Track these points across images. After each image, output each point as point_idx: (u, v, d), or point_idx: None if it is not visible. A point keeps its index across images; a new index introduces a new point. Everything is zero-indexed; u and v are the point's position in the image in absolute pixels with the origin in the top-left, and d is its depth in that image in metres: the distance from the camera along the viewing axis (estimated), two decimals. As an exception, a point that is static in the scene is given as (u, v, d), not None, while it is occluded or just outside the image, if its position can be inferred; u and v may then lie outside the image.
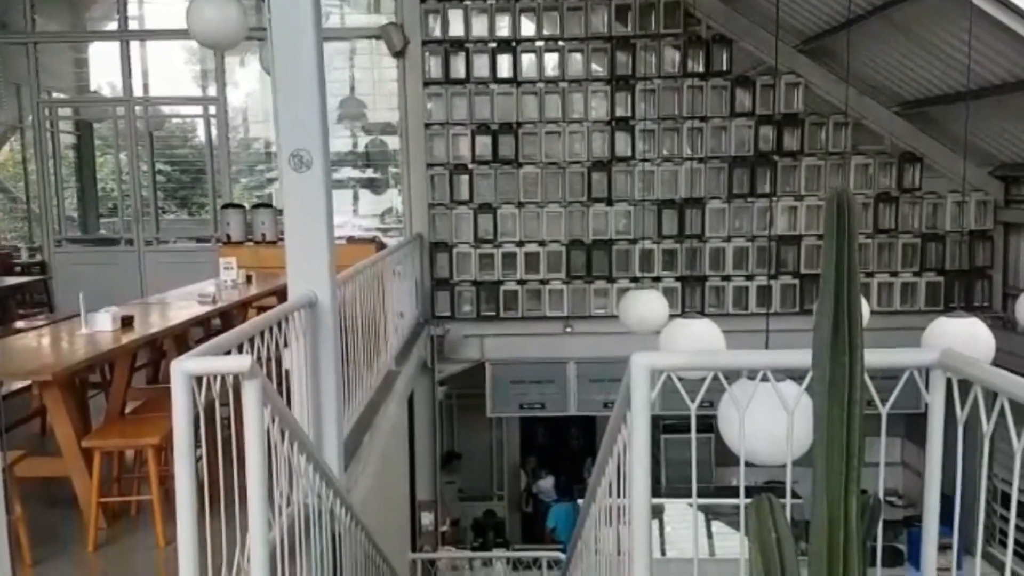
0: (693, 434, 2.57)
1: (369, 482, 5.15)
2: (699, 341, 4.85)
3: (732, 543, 9.25)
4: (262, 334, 3.22)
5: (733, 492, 10.21)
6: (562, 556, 8.08)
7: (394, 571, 5.47)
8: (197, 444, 2.52)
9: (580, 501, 9.70)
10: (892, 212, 9.42)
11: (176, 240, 11.35)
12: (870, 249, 9.40)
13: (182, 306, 5.52)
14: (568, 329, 9.32)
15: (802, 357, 2.64)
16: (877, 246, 9.43)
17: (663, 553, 8.92)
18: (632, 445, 2.43)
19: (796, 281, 9.36)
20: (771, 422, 2.68)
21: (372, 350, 5.83)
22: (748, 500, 2.22)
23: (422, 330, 8.91)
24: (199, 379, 2.46)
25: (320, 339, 4.04)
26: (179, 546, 2.39)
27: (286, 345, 3.89)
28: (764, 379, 2.60)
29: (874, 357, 2.22)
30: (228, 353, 2.84)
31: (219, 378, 2.56)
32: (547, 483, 10.43)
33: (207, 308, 5.48)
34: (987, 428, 2.09)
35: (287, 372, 3.97)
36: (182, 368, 2.43)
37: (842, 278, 1.97)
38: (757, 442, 3.08)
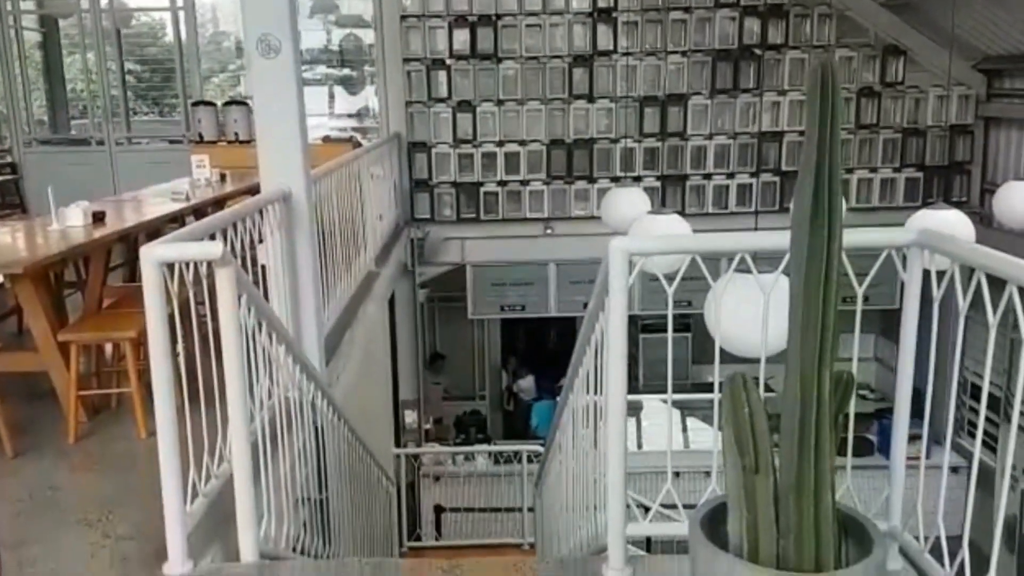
0: (670, 314, 2.57)
1: (351, 378, 5.20)
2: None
3: (706, 437, 9.52)
4: (235, 226, 3.16)
5: (709, 388, 10.41)
6: (542, 449, 8.30)
7: (378, 463, 5.59)
8: (175, 339, 2.51)
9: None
10: (874, 107, 9.31)
11: (149, 141, 11.13)
12: (851, 145, 9.34)
13: (155, 203, 5.42)
14: (548, 231, 9.28)
15: (782, 238, 2.64)
16: (859, 142, 9.37)
17: (639, 447, 9.18)
18: (609, 330, 2.43)
19: (777, 179, 9.33)
20: (752, 312, 2.61)
21: (351, 250, 5.78)
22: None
23: (402, 233, 8.85)
24: (172, 268, 2.43)
25: (296, 234, 3.99)
26: (158, 434, 2.40)
27: (261, 241, 3.85)
28: (743, 267, 2.58)
29: (853, 236, 2.21)
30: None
31: (192, 267, 2.52)
32: (527, 382, 10.59)
33: (180, 205, 5.38)
34: (963, 305, 2.10)
35: (264, 268, 3.94)
36: (153, 254, 2.39)
37: (824, 147, 1.93)
38: (739, 331, 3.02)
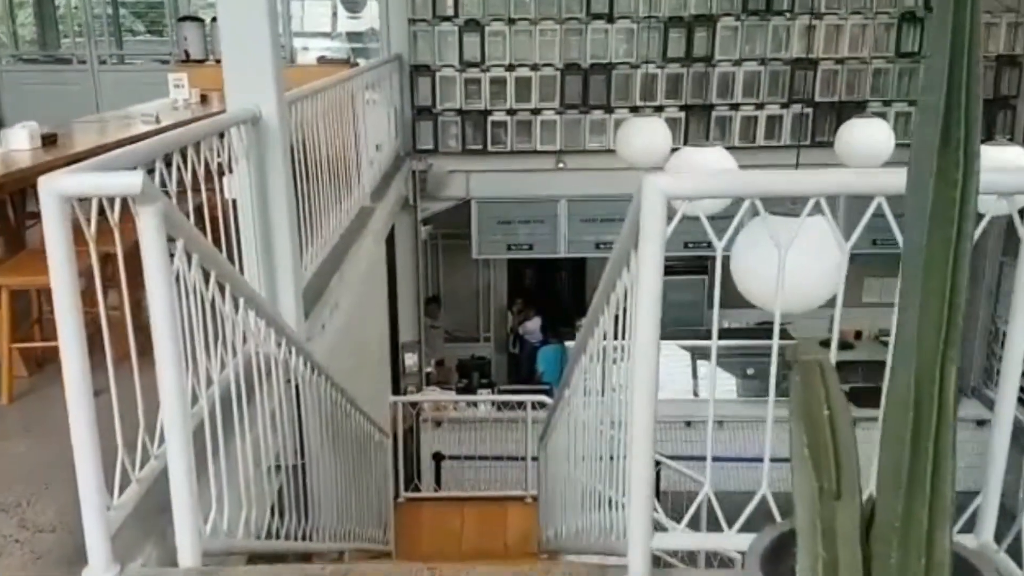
0: (718, 280, 2.03)
1: (339, 324, 4.69)
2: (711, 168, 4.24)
3: (718, 384, 9.07)
4: (184, 151, 2.61)
5: (726, 333, 9.87)
6: (548, 400, 7.85)
7: (370, 417, 5.14)
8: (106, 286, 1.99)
9: (569, 344, 9.45)
10: (916, 34, 8.55)
11: (143, 61, 10.49)
12: (890, 75, 8.63)
13: (122, 126, 4.84)
14: (561, 164, 8.65)
15: (872, 179, 2.06)
16: (898, 72, 8.64)
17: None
18: (641, 284, 1.87)
19: (810, 111, 8.64)
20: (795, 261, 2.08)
21: (342, 183, 5.21)
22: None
23: (402, 164, 8.24)
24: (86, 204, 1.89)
25: (267, 163, 3.42)
26: (69, 408, 1.91)
27: (228, 171, 3.30)
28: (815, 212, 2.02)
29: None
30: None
31: (117, 206, 1.98)
32: (534, 324, 10.09)
33: (148, 127, 4.80)
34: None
35: (234, 203, 3.39)
36: (53, 187, 1.83)
37: (960, 54, 1.33)
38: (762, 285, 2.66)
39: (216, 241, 2.92)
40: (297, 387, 3.43)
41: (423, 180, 8.62)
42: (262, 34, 3.32)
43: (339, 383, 4.50)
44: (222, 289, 2.38)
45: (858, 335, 10.77)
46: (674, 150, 5.74)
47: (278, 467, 3.21)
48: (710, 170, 4.27)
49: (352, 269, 5.08)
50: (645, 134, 5.68)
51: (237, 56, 3.32)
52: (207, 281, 2.28)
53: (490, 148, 8.62)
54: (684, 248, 9.17)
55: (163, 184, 2.36)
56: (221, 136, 2.98)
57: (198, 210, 2.71)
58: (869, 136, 6.53)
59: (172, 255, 2.02)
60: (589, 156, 8.62)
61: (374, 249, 6.10)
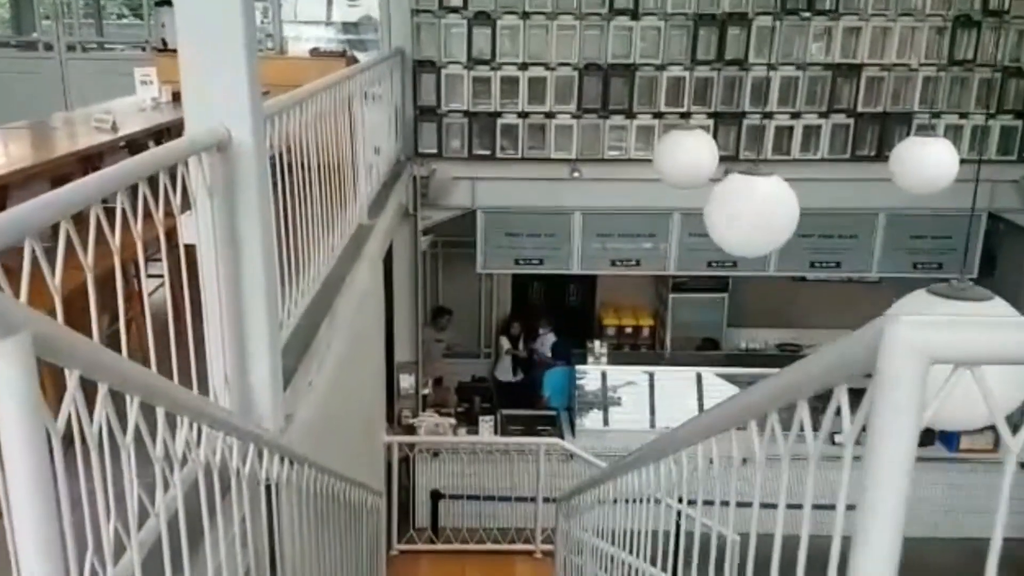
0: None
1: (329, 373, 3.91)
2: (770, 211, 3.45)
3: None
4: (126, 199, 1.82)
5: (744, 359, 9.02)
6: (562, 442, 7.10)
7: (361, 484, 4.36)
8: None
9: (579, 368, 8.69)
10: (971, 40, 7.79)
11: (124, 48, 9.65)
12: (940, 83, 7.86)
13: (66, 134, 4.02)
14: (576, 174, 7.85)
15: None
16: (949, 80, 7.88)
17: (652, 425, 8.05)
18: (876, 464, 1.06)
19: (850, 121, 7.87)
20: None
21: (336, 202, 4.42)
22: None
23: (403, 170, 7.43)
24: None
25: (239, 199, 2.62)
26: None
27: (187, 210, 2.51)
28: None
29: None
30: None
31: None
32: (547, 339, 9.23)
33: (103, 138, 3.98)
34: None
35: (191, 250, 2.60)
36: None
37: None
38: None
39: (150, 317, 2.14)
40: (269, 490, 2.67)
41: (425, 186, 7.81)
42: (233, 29, 2.52)
43: (329, 453, 3.73)
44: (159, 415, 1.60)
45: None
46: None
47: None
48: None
49: (345, 306, 4.29)
50: (688, 150, 4.91)
51: (198, 58, 2.52)
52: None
53: (499, 153, 7.82)
54: (708, 267, 8.53)
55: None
56: (173, 177, 2.18)
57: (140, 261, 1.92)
58: (930, 157, 5.78)
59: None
60: (607, 166, 7.84)
61: (370, 275, 5.30)
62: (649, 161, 6.43)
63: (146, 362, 2.02)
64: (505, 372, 9.39)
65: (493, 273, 9.01)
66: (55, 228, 1.53)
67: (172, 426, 1.75)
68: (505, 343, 9.38)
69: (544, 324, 9.32)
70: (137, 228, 1.94)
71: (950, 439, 8.19)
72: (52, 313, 1.46)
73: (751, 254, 3.24)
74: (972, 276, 8.48)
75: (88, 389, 1.35)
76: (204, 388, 2.55)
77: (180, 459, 1.80)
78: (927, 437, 8.39)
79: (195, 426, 1.90)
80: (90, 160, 3.69)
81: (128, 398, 1.50)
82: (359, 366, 5.10)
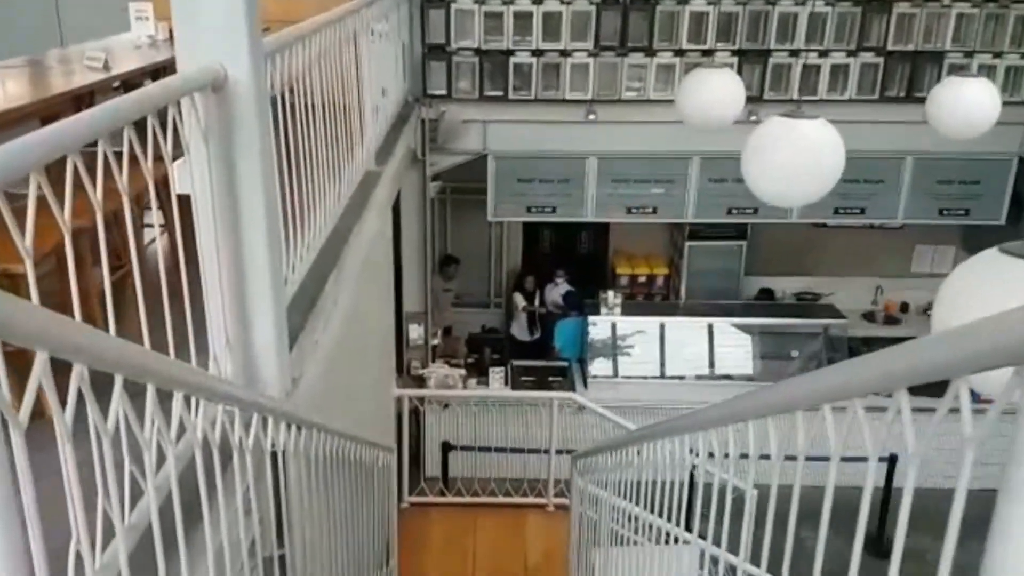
0: None
1: (336, 330, 3.70)
2: (815, 158, 3.16)
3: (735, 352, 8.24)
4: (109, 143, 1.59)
5: (765, 308, 8.77)
6: (574, 395, 6.94)
7: (372, 442, 4.20)
8: None
9: (591, 319, 8.48)
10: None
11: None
12: (975, 21, 7.47)
13: (62, 72, 3.75)
14: (592, 116, 7.52)
15: None
16: (984, 17, 7.48)
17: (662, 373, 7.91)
18: None
19: (880, 60, 7.50)
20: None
21: (343, 147, 4.16)
22: None
23: (411, 112, 7.12)
24: None
25: (237, 144, 2.38)
26: None
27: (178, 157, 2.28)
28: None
29: None
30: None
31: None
32: (561, 289, 8.99)
33: (96, 77, 3.72)
34: None
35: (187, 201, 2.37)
36: None
37: None
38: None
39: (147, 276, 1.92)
40: (276, 456, 2.49)
41: (433, 130, 7.52)
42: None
43: (338, 412, 3.57)
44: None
45: (904, 308, 9.83)
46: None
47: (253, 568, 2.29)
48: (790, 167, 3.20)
49: (353, 258, 4.06)
50: (716, 90, 4.62)
51: (190, -13, 2.26)
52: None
53: (511, 95, 7.49)
54: (727, 215, 8.25)
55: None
56: (163, 123, 1.94)
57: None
58: (969, 98, 5.48)
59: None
60: (624, 107, 7.51)
61: (379, 222, 5.06)
62: (669, 102, 6.15)
63: (139, 331, 1.82)
64: (522, 331, 9.18)
65: (504, 221, 8.74)
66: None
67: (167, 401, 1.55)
68: (520, 300, 9.12)
69: (560, 273, 9.08)
70: (123, 180, 1.72)
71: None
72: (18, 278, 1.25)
73: (792, 204, 3.00)
74: (999, 222, 8.22)
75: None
76: (204, 353, 2.36)
77: (174, 439, 1.61)
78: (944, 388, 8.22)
79: (192, 401, 1.71)
80: (82, 100, 3.43)
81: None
82: (368, 320, 4.90)
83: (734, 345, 8.47)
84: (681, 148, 7.52)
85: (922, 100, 5.87)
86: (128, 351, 1.36)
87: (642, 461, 3.64)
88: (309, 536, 2.80)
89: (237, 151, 2.38)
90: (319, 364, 3.28)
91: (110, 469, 1.38)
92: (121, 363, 1.32)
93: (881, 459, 1.19)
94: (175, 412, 1.64)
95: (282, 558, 2.63)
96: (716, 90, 4.65)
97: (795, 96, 7.32)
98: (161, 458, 1.77)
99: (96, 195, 1.60)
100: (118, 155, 1.71)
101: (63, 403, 1.15)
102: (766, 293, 9.62)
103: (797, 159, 2.87)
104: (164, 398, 1.60)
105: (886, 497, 5.69)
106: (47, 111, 3.44)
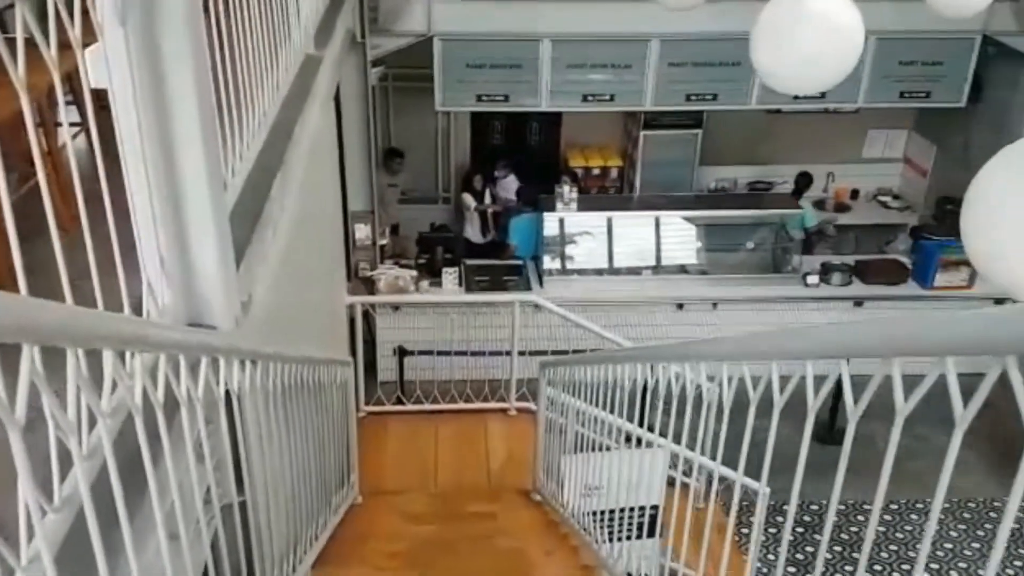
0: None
1: (283, 238, 3.30)
2: (833, 37, 2.74)
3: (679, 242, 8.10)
4: None
5: (718, 200, 8.54)
6: (535, 296, 6.67)
7: (329, 359, 3.87)
8: None
9: (546, 215, 8.14)
10: None
11: None
12: None
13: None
14: (546, -8, 6.97)
15: None
16: None
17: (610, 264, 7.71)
18: None
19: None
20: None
21: (278, 25, 3.63)
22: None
23: (348, -11, 6.44)
24: None
25: (161, 26, 1.91)
26: None
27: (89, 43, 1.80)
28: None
29: None
30: None
31: None
32: (509, 183, 8.61)
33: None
34: None
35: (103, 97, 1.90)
36: None
37: None
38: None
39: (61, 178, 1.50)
40: (229, 396, 2.15)
41: (374, 9, 6.86)
42: None
43: (291, 332, 3.22)
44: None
45: (855, 194, 9.77)
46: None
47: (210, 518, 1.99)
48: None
49: (297, 155, 3.61)
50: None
51: None
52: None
53: (458, -31, 6.87)
54: (686, 101, 7.88)
55: None
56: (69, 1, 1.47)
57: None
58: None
59: None
60: (580, -17, 6.97)
61: (322, 115, 4.57)
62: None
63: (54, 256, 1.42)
64: (475, 232, 8.78)
65: (452, 111, 8.21)
66: None
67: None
68: (470, 201, 8.67)
69: (501, 166, 8.65)
70: (19, 71, 1.28)
71: (924, 275, 8.03)
72: None
73: (807, 90, 2.67)
74: (960, 104, 8.05)
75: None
76: (136, 274, 1.96)
77: (107, 410, 1.25)
78: (900, 275, 8.24)
79: (126, 355, 1.34)
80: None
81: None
82: (316, 225, 4.47)
83: (682, 238, 8.30)
84: (640, 30, 7.05)
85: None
86: (30, 309, 0.97)
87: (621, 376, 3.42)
88: (271, 477, 2.50)
89: (161, 33, 1.91)
90: (269, 281, 2.90)
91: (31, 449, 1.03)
92: (24, 329, 0.94)
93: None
94: (107, 372, 1.27)
95: (243, 504, 2.33)
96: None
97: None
98: (91, 422, 1.43)
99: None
100: (11, 42, 1.28)
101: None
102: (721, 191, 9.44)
103: (813, 36, 2.50)
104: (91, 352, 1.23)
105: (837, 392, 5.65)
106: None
